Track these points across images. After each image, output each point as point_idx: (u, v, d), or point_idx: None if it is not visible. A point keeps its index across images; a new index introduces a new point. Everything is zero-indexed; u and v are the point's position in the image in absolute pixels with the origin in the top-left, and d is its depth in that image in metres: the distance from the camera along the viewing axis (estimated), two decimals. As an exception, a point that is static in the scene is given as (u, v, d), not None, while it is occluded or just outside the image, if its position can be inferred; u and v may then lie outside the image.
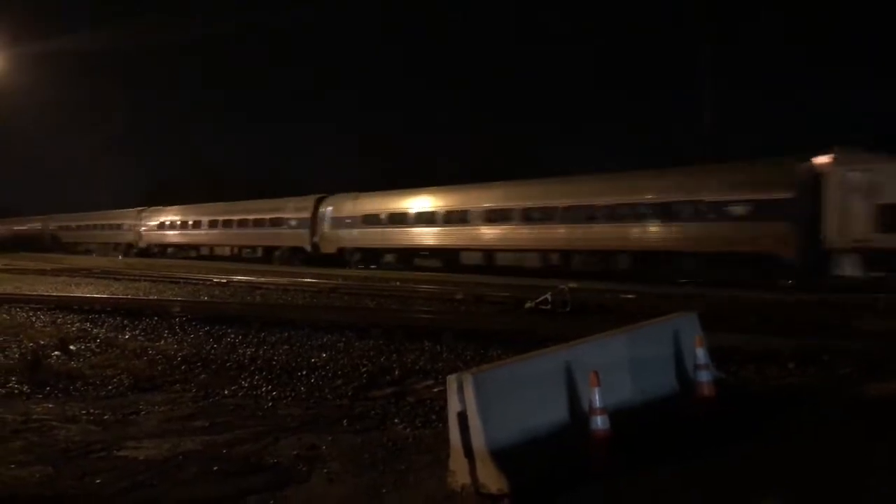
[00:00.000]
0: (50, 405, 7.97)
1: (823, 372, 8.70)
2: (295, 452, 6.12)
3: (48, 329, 13.38)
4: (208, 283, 23.93)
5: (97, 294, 20.25)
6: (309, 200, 37.29)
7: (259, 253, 41.48)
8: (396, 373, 9.20)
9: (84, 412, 7.63)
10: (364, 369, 9.41)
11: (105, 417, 7.42)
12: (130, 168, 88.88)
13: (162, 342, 11.84)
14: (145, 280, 25.48)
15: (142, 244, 50.69)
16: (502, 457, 5.03)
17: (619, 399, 6.17)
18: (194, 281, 24.60)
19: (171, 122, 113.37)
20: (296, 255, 37.32)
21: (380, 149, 65.52)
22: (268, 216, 39.73)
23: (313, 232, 36.23)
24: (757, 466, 5.55)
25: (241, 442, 6.45)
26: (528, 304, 15.18)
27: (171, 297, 19.13)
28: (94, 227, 56.82)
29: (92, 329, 13.32)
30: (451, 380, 5.29)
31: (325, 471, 5.67)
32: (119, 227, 53.39)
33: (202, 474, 5.64)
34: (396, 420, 7.11)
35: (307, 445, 6.28)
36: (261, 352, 10.81)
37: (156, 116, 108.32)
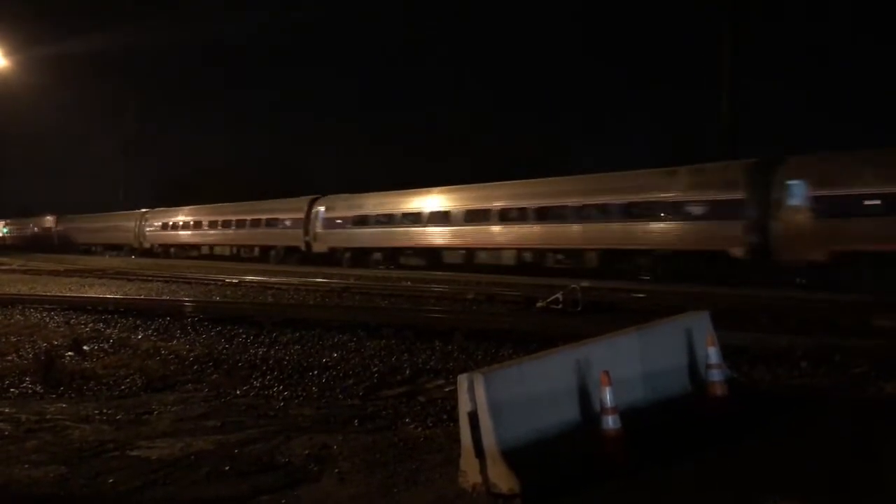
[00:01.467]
0: (63, 405, 8.03)
1: (836, 371, 8.63)
2: (306, 452, 6.13)
3: (61, 329, 13.47)
4: (220, 283, 24.01)
5: (110, 295, 20.36)
6: (732, 170, 21.78)
7: (593, 261, 24.09)
8: (407, 372, 9.21)
9: (97, 412, 7.67)
10: (375, 369, 9.42)
11: (118, 417, 7.47)
12: (141, 168, 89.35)
13: (174, 342, 11.89)
14: (158, 280, 25.59)
15: (319, 247, 35.41)
16: (513, 456, 5.03)
17: (631, 398, 6.14)
18: (206, 281, 24.69)
19: (180, 123, 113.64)
20: (716, 264, 20.71)
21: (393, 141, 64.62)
22: (622, 199, 23.39)
23: (757, 223, 20.30)
24: (770, 466, 5.52)
25: (252, 441, 6.47)
26: (539, 304, 15.16)
27: (183, 298, 19.23)
28: (226, 224, 42.40)
29: (105, 329, 13.40)
30: (462, 379, 5.29)
31: (337, 470, 5.67)
32: (274, 223, 38.47)
33: (214, 474, 5.67)
34: (407, 419, 7.12)
35: (319, 445, 6.29)
36: (272, 352, 10.84)
37: (165, 117, 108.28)
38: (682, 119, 65.61)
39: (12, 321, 14.66)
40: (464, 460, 5.25)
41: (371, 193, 34.45)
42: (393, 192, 33.31)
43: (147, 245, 50.60)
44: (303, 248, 36.48)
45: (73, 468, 5.83)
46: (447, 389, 7.98)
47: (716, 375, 6.86)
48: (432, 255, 29.99)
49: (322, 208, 35.62)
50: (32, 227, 67.62)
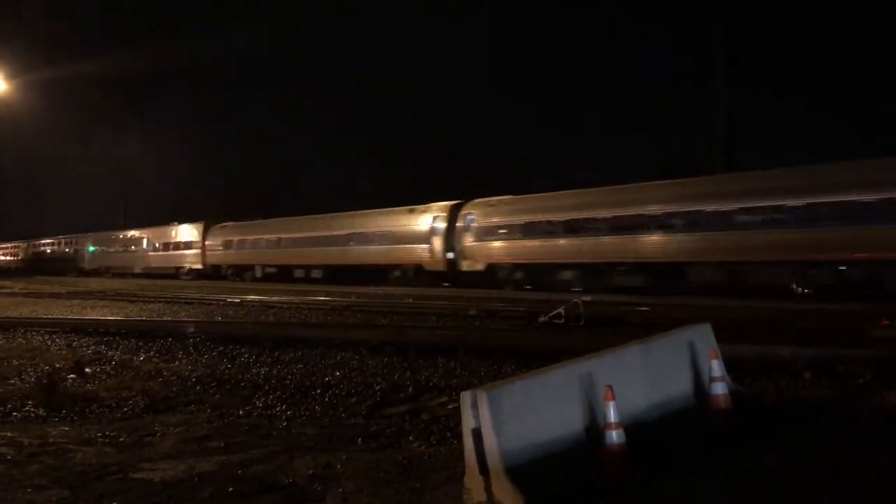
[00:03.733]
0: (66, 428, 8.01)
1: (840, 382, 8.60)
2: (310, 472, 6.11)
3: (64, 352, 13.46)
4: (222, 303, 24.01)
5: (112, 317, 20.37)
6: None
7: None
8: (410, 390, 9.19)
9: (100, 434, 7.66)
10: (378, 387, 9.40)
11: (121, 439, 7.45)
12: (143, 190, 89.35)
13: (176, 363, 11.88)
14: (159, 302, 25.60)
15: None
16: (517, 473, 5.01)
17: (634, 413, 6.13)
18: (208, 301, 24.69)
19: (175, 145, 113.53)
20: None
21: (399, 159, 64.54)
22: None
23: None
24: (775, 479, 5.50)
25: (256, 462, 6.45)
26: (541, 319, 15.16)
27: (184, 318, 19.23)
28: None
29: (107, 351, 13.39)
30: (465, 396, 5.28)
31: (341, 490, 5.65)
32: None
33: (218, 495, 5.64)
34: (411, 437, 7.09)
35: (322, 465, 6.27)
36: (275, 371, 10.82)
37: (161, 140, 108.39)
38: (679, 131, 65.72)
39: (14, 344, 14.65)
40: (468, 478, 5.23)
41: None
42: None
43: (464, 265, 29.06)
44: None
45: (76, 492, 5.81)
46: (450, 406, 7.97)
47: (719, 388, 6.85)
48: None
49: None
50: (147, 244, 49.04)
